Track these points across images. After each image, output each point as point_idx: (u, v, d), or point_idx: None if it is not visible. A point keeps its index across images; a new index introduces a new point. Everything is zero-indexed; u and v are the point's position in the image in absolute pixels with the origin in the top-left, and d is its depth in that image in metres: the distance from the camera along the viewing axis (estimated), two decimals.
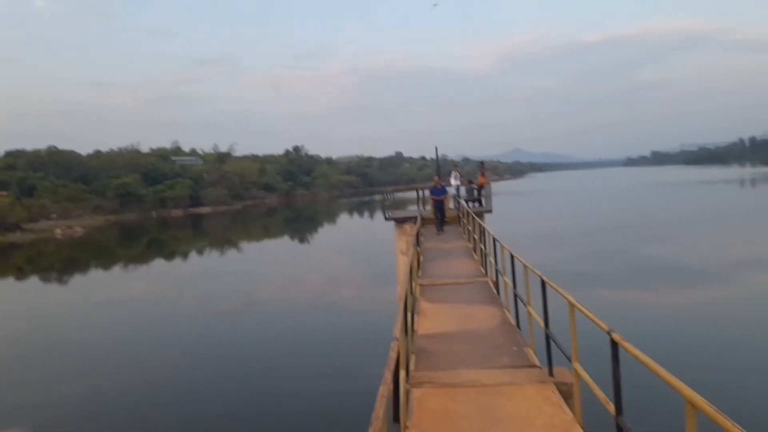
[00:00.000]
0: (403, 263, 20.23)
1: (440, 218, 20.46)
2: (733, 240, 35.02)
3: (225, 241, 59.42)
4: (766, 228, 39.94)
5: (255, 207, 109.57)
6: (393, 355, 4.00)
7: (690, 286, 23.14)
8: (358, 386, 13.92)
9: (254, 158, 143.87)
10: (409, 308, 7.26)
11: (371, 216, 76.23)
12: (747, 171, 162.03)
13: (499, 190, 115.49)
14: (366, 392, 13.46)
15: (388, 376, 3.58)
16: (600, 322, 4.24)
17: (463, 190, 24.34)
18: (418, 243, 13.36)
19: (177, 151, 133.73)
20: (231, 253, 50.19)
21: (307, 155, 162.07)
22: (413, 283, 8.96)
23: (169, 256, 50.56)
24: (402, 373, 4.74)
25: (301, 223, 79.26)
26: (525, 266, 7.33)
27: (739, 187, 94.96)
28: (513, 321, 8.25)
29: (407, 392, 5.53)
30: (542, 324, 6.30)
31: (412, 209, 25.29)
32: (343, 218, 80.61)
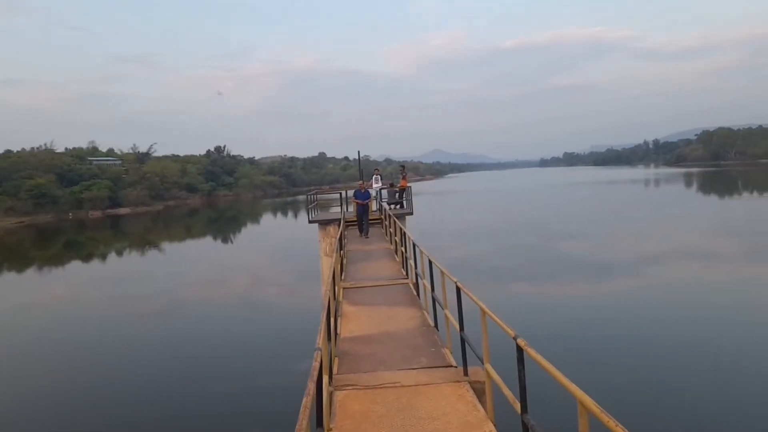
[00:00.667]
0: (326, 265, 20.39)
1: (364, 222, 20.47)
2: (636, 236, 37.40)
3: (145, 242, 57.72)
4: (666, 224, 43.01)
5: (176, 208, 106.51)
6: (316, 365, 4.17)
7: (593, 279, 24.75)
8: (283, 385, 14.05)
9: (175, 158, 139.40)
10: (333, 313, 7.44)
11: (295, 216, 75.76)
12: (651, 171, 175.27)
13: (421, 190, 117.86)
14: (291, 390, 13.60)
15: (312, 386, 3.74)
16: (507, 328, 4.59)
17: (385, 193, 24.75)
18: (341, 246, 13.54)
19: (94, 151, 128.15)
20: (152, 254, 48.83)
21: (229, 155, 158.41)
22: (336, 288, 9.15)
23: (86, 257, 48.43)
24: (325, 378, 4.92)
25: (223, 223, 77.75)
26: (442, 271, 7.68)
27: (643, 186, 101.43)
28: (432, 322, 8.60)
29: (330, 395, 5.72)
30: (457, 327, 6.65)
31: (336, 210, 25.42)
32: (267, 219, 79.67)
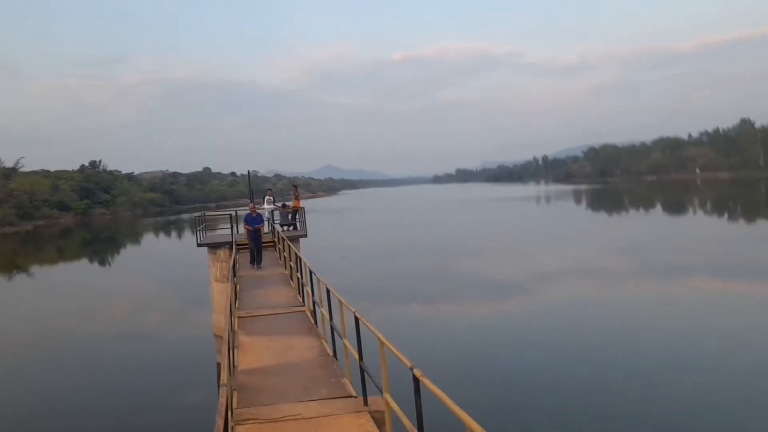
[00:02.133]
0: (217, 291, 19.87)
1: (257, 250, 18.78)
2: (529, 254, 39.51)
3: (12, 266, 52.98)
4: (558, 242, 45.79)
5: (48, 228, 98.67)
6: (222, 401, 4.24)
7: (484, 297, 26.02)
8: (170, 421, 13.56)
9: (45, 174, 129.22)
10: (230, 345, 7.43)
11: (179, 236, 72.76)
12: (542, 188, 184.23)
13: (315, 207, 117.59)
14: (182, 421, 13.13)
15: (220, 423, 3.83)
16: (404, 359, 4.90)
17: (277, 214, 24.56)
18: (234, 274, 13.37)
19: None
20: (20, 280, 44.84)
21: (105, 171, 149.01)
22: (232, 318, 9.10)
23: None
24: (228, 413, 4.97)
25: (100, 245, 73.11)
26: (340, 301, 7.91)
27: (535, 204, 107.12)
28: (330, 352, 8.79)
29: (231, 430, 5.74)
30: (357, 356, 6.90)
31: (224, 229, 24.53)
32: (148, 240, 75.75)
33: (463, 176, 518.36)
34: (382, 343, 5.71)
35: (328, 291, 8.95)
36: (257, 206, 24.07)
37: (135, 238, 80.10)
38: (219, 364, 17.39)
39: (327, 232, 63.11)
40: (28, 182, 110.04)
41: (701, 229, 52.73)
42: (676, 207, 79.54)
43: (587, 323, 20.70)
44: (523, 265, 34.56)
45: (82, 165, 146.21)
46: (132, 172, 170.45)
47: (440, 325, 21.69)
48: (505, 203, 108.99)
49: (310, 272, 10.95)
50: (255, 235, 18.66)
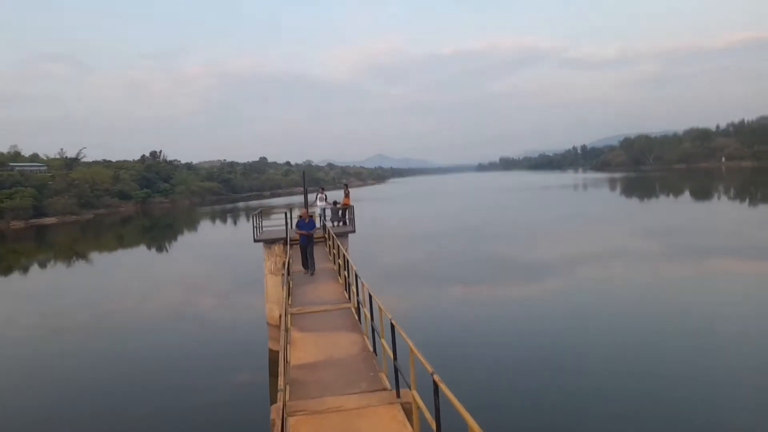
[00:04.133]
0: (271, 283, 21.20)
1: (308, 257, 17.60)
2: (566, 239, 41.28)
3: (72, 253, 56.40)
4: (592, 228, 47.04)
5: (108, 216, 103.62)
6: (280, 404, 5.29)
7: (529, 281, 27.53)
8: (224, 400, 15.02)
9: (107, 164, 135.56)
10: (284, 346, 8.54)
11: (235, 224, 75.57)
12: (579, 176, 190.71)
13: (364, 196, 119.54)
14: (235, 403, 14.55)
15: (277, 421, 4.87)
16: (427, 365, 5.83)
17: (329, 212, 25.67)
18: (288, 272, 14.53)
19: (16, 156, 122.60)
20: (79, 266, 47.95)
21: (165, 160, 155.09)
22: (286, 318, 10.21)
23: (4, 271, 47.00)
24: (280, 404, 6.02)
25: (158, 232, 76.59)
26: (380, 308, 8.90)
27: (573, 191, 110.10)
28: (371, 347, 9.82)
29: (283, 421, 6.83)
30: (392, 356, 7.90)
31: (278, 217, 25.48)
32: (205, 228, 78.80)
33: (506, 164, 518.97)
34: (411, 349, 6.67)
35: (370, 296, 9.93)
36: (309, 208, 25.24)
37: (192, 225, 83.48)
38: (270, 351, 18.85)
39: (378, 216, 65.17)
40: (90, 172, 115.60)
41: (722, 213, 56.81)
42: (701, 194, 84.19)
43: (607, 306, 22.67)
44: (564, 248, 36.93)
45: (143, 155, 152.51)
46: (191, 162, 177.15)
47: (471, 306, 23.39)
48: (546, 191, 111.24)
49: (356, 275, 11.96)
50: (307, 240, 17.76)
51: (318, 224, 24.25)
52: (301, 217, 18.70)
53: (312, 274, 17.25)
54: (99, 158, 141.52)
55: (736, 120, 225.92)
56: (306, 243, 17.69)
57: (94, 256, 53.99)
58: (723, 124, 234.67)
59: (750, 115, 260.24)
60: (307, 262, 17.56)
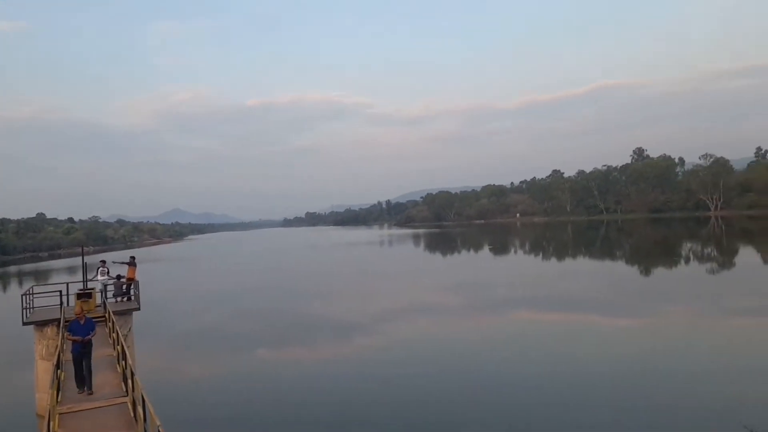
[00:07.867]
0: (43, 369, 19.37)
1: (86, 369, 13.10)
2: (378, 294, 43.96)
3: None
4: (401, 281, 50.45)
5: None
6: None
7: (340, 340, 28.54)
8: None
9: None
10: None
11: (4, 291, 66.33)
12: (385, 232, 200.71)
13: (159, 255, 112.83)
14: None
15: None
16: None
17: (111, 287, 24.10)
18: (59, 366, 13.64)
19: None
20: None
21: None
22: (52, 422, 9.78)
23: None
24: None
25: None
26: (151, 413, 9.05)
27: (378, 247, 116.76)
28: None
29: None
30: None
31: (55, 288, 23.38)
32: None
33: (312, 220, 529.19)
34: None
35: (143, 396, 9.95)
36: (89, 279, 23.52)
37: None
38: None
39: (171, 279, 62.08)
40: None
41: (520, 266, 63.89)
42: (499, 248, 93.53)
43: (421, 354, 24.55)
44: (372, 305, 38.50)
45: None
46: None
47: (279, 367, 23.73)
48: (354, 247, 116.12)
49: (132, 370, 11.79)
50: (82, 349, 13.13)
51: (99, 301, 22.68)
52: (75, 319, 13.67)
53: (90, 393, 12.84)
54: None
55: (528, 177, 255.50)
56: (80, 353, 13.02)
57: None
58: (516, 182, 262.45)
59: (539, 173, 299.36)
60: (83, 378, 13.04)
